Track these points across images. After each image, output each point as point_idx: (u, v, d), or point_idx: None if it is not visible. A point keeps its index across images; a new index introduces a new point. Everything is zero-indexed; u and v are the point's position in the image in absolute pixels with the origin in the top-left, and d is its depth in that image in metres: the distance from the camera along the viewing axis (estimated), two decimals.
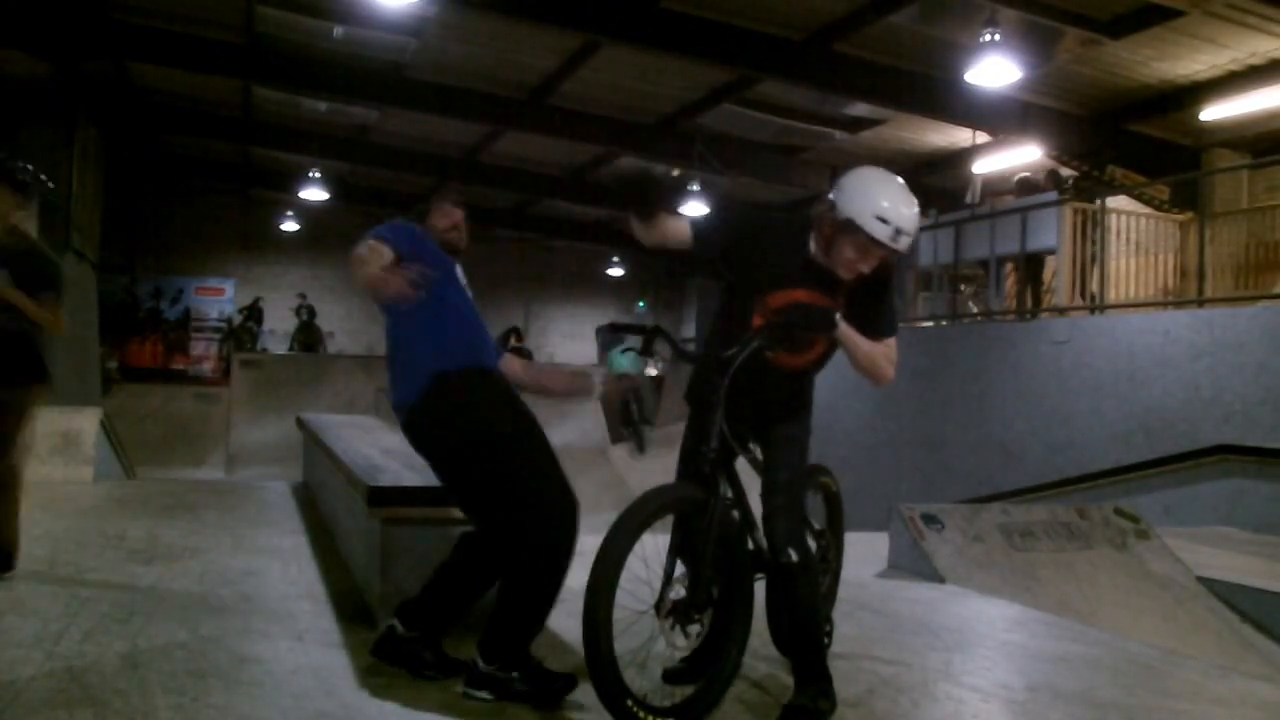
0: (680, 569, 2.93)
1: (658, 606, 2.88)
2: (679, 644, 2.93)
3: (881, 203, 2.92)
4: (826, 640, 3.40)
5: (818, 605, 3.17)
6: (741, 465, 3.25)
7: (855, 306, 3.04)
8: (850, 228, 2.92)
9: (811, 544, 3.25)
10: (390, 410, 3.64)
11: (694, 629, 2.93)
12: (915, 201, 3.01)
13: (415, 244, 3.37)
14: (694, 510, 2.92)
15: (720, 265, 3.19)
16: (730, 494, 3.06)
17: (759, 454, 3.23)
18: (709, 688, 2.94)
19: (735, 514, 3.08)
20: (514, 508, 3.18)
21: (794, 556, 3.01)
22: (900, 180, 3.04)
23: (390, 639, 3.26)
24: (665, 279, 28.35)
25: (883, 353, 3.05)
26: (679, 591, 2.90)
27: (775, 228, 3.22)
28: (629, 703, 2.69)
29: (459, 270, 3.60)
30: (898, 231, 2.91)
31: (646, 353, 3.16)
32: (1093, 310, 10.72)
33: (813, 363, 3.17)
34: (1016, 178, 13.06)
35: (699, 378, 3.17)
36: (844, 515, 3.80)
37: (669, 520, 2.93)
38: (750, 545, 3.15)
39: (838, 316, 2.94)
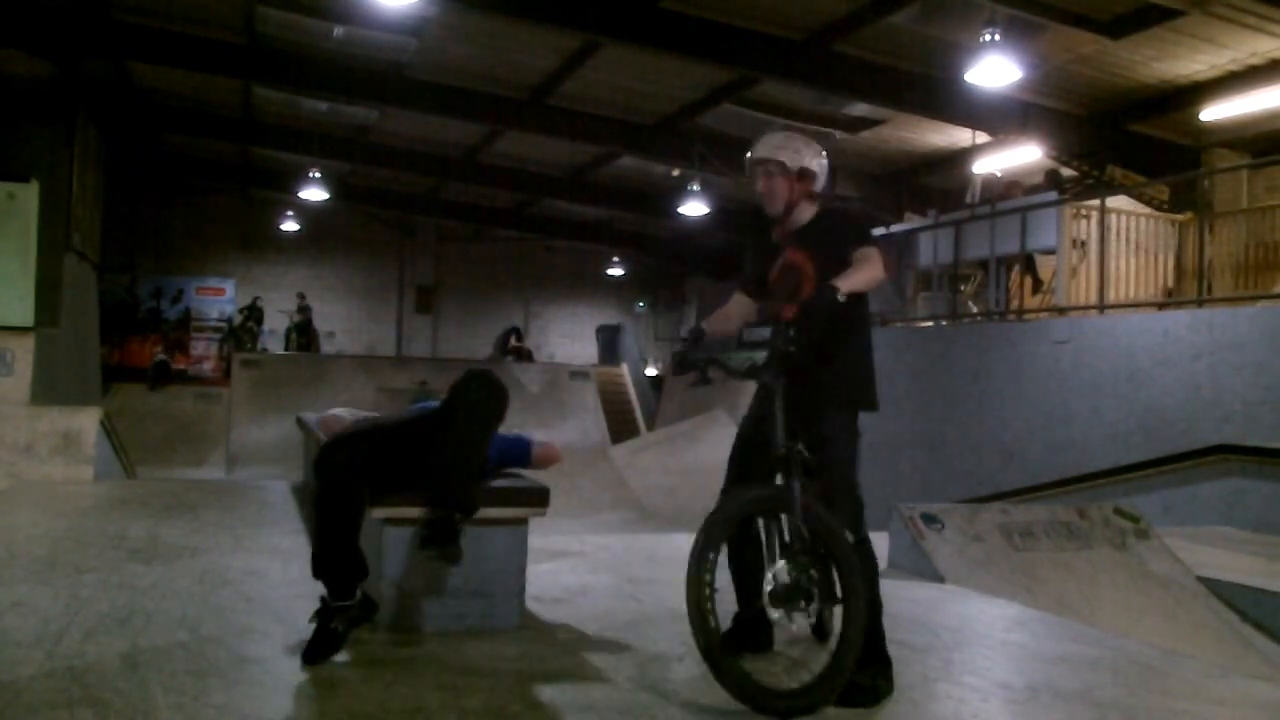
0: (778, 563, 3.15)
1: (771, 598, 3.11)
2: (794, 628, 3.18)
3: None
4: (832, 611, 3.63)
5: (875, 588, 3.30)
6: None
7: (830, 246, 3.43)
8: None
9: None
10: (387, 409, 3.86)
11: (800, 615, 3.10)
12: (781, 132, 3.66)
13: None
14: (776, 506, 3.20)
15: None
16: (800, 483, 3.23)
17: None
18: (831, 674, 3.04)
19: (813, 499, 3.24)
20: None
21: (851, 539, 3.17)
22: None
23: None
24: (665, 281, 28.36)
25: (869, 267, 3.31)
26: (777, 584, 3.11)
27: (760, 236, 3.86)
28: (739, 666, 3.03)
29: None
30: (752, 150, 3.58)
31: (703, 381, 3.62)
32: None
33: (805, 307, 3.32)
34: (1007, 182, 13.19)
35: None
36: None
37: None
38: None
39: (833, 286, 3.17)
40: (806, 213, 3.56)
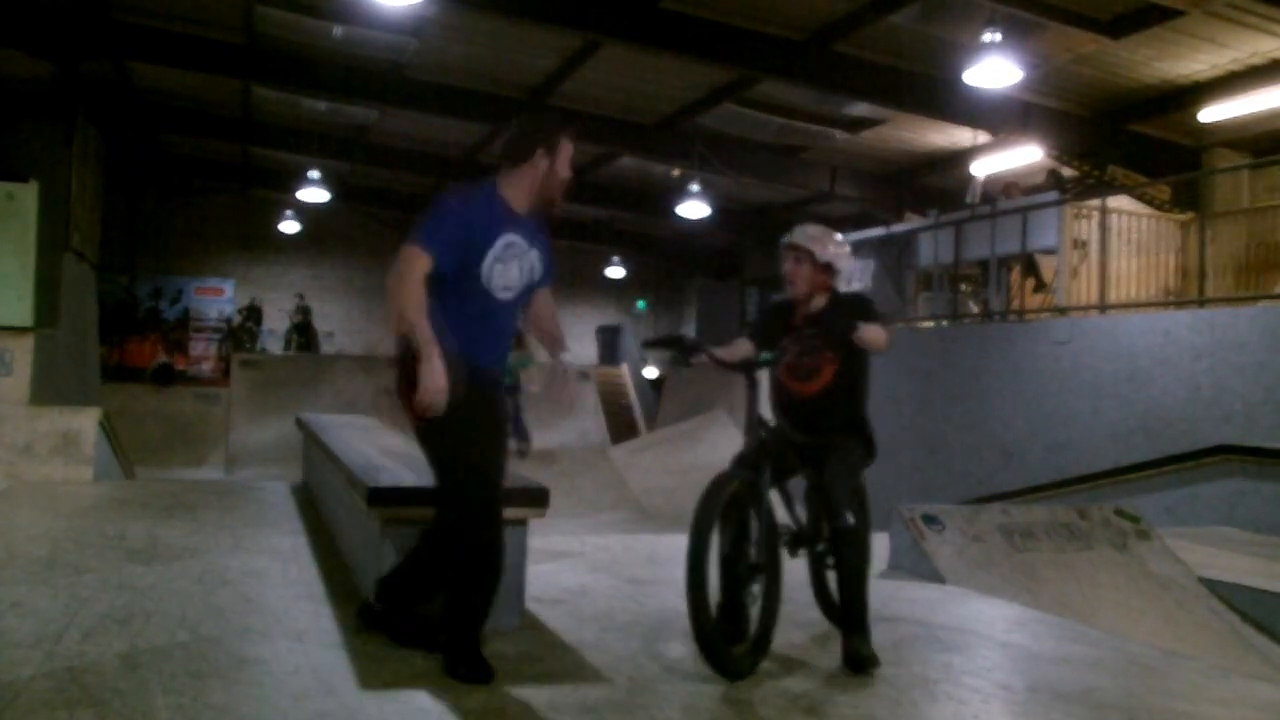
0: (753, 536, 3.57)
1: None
2: (753, 595, 3.53)
3: None
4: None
5: (864, 567, 3.77)
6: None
7: (843, 317, 3.89)
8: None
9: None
10: (387, 409, 3.76)
11: (757, 587, 3.53)
12: (818, 226, 4.08)
13: (474, 231, 3.23)
14: (749, 489, 3.54)
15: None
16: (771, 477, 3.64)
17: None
18: (764, 631, 3.51)
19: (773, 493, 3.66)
20: (442, 497, 3.36)
21: (850, 520, 3.64)
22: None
23: (368, 610, 3.64)
24: (666, 282, 28.36)
25: (880, 330, 3.88)
26: (753, 555, 3.54)
27: (778, 302, 4.21)
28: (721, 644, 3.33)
29: (509, 243, 3.29)
30: (787, 232, 4.04)
31: (683, 363, 3.84)
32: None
33: (828, 388, 3.88)
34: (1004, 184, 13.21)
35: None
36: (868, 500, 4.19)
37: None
38: (793, 524, 3.86)
39: (858, 326, 3.79)
40: (820, 300, 4.01)
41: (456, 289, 3.23)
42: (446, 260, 3.17)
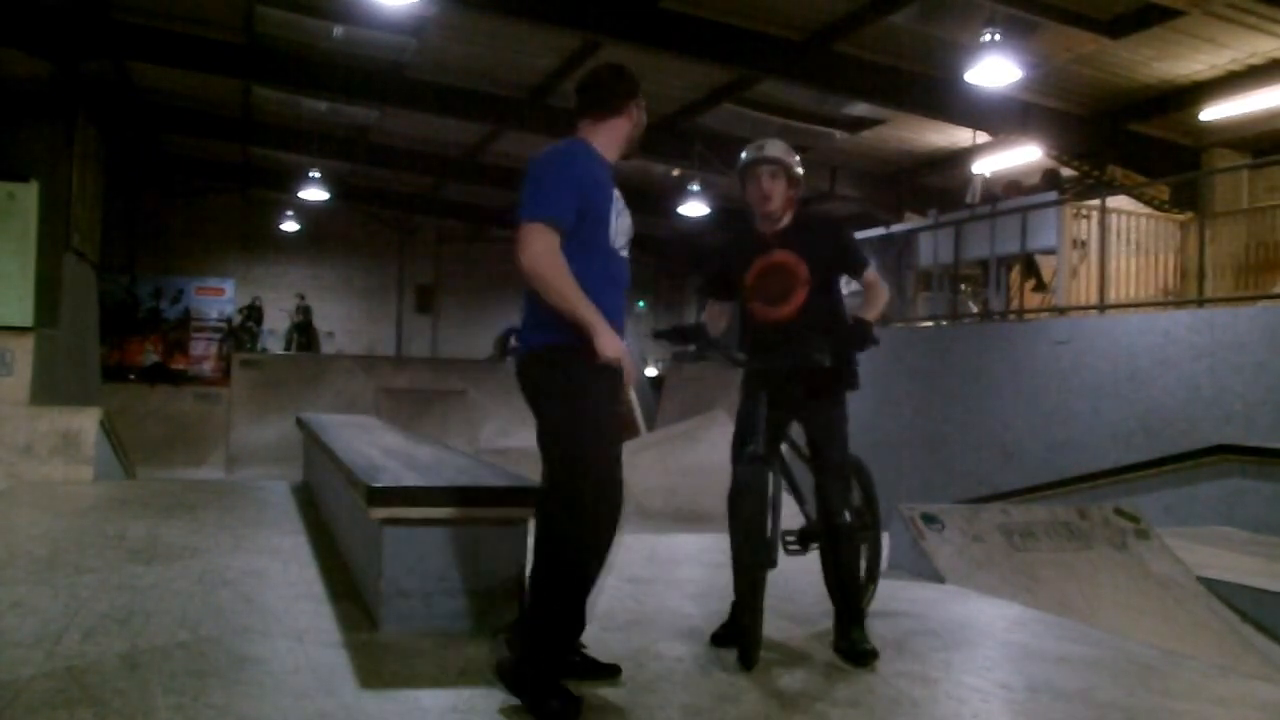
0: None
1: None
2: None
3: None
4: (872, 588, 4.20)
5: (858, 561, 3.90)
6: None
7: (823, 254, 3.79)
8: (740, 175, 3.93)
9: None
10: (387, 409, 3.75)
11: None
12: (775, 140, 4.05)
13: (587, 187, 3.02)
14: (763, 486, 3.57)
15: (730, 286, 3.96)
16: (780, 477, 3.69)
17: (803, 442, 3.87)
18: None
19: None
20: (549, 494, 3.10)
21: (847, 518, 3.74)
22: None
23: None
24: (666, 282, 28.37)
25: (883, 293, 3.90)
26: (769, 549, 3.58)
27: (732, 230, 4.12)
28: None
29: (616, 196, 3.14)
30: (755, 148, 3.95)
31: (700, 357, 3.92)
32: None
33: (802, 312, 3.70)
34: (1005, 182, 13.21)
35: (746, 381, 3.87)
36: (874, 484, 4.23)
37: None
38: (804, 519, 3.88)
39: (866, 322, 3.71)
40: (787, 217, 3.90)
41: (581, 252, 3.00)
42: (569, 223, 2.96)
